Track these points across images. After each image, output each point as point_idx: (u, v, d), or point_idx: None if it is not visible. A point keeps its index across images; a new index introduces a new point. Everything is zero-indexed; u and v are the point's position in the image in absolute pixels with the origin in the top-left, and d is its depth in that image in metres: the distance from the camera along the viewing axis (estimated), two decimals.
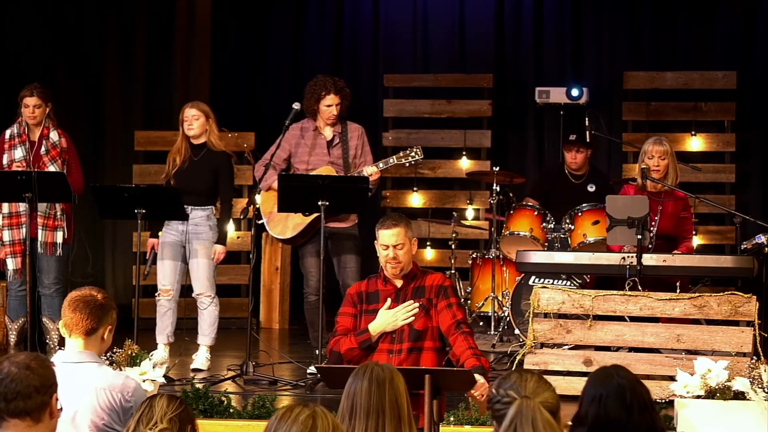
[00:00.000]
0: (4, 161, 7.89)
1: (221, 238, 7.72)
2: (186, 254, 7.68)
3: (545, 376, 3.53)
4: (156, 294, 7.76)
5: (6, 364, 3.24)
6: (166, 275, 7.67)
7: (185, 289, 7.86)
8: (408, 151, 7.65)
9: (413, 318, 5.47)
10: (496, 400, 3.34)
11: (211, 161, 7.68)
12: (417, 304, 5.50)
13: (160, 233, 7.73)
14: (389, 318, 5.48)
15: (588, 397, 3.50)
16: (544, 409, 3.10)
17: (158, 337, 7.71)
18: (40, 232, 7.82)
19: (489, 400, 3.37)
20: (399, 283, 5.59)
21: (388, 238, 5.52)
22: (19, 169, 7.67)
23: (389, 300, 5.53)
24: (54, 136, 7.91)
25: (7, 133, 7.95)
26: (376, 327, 5.48)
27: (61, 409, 3.36)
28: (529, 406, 3.09)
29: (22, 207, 7.67)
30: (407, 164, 7.75)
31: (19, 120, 7.93)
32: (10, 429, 3.21)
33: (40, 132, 7.90)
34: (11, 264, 7.89)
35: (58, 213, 7.87)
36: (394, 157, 7.67)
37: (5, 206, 7.87)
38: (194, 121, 7.68)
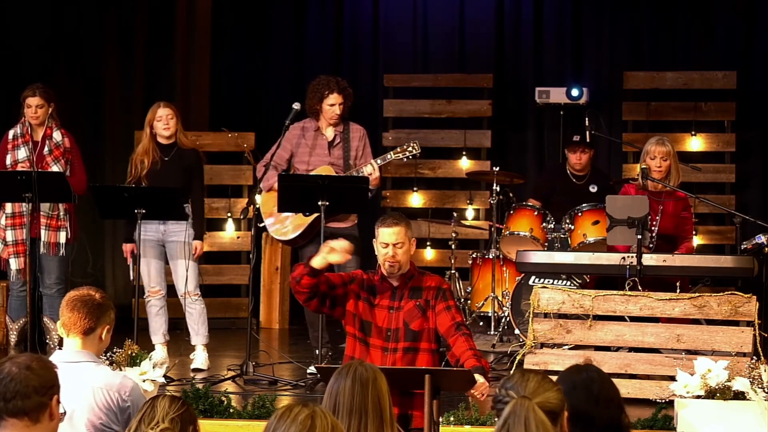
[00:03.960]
0: (8, 161, 7.89)
1: (198, 234, 7.72)
2: (165, 253, 7.68)
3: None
4: (145, 296, 7.74)
5: (7, 365, 3.25)
6: (152, 276, 7.67)
7: (170, 289, 7.86)
8: (405, 146, 7.65)
9: (340, 257, 5.44)
10: (498, 399, 3.34)
11: (183, 159, 7.69)
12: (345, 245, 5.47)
13: (135, 235, 7.67)
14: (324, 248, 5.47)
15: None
16: (539, 410, 3.10)
17: (154, 337, 7.70)
18: (43, 232, 7.82)
19: (493, 400, 3.38)
20: (396, 282, 5.59)
21: (388, 237, 5.51)
22: (24, 169, 7.66)
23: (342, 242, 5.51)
24: (57, 135, 7.92)
25: (11, 133, 7.95)
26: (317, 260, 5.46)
27: (64, 413, 3.36)
28: (523, 405, 3.09)
29: (25, 207, 7.67)
30: (405, 159, 7.75)
31: (23, 120, 7.93)
32: (8, 428, 3.21)
33: (44, 132, 7.91)
34: (15, 264, 7.89)
35: (61, 213, 7.88)
36: (391, 152, 7.67)
37: (8, 206, 7.88)
38: (170, 120, 7.69)
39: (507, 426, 3.07)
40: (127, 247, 7.75)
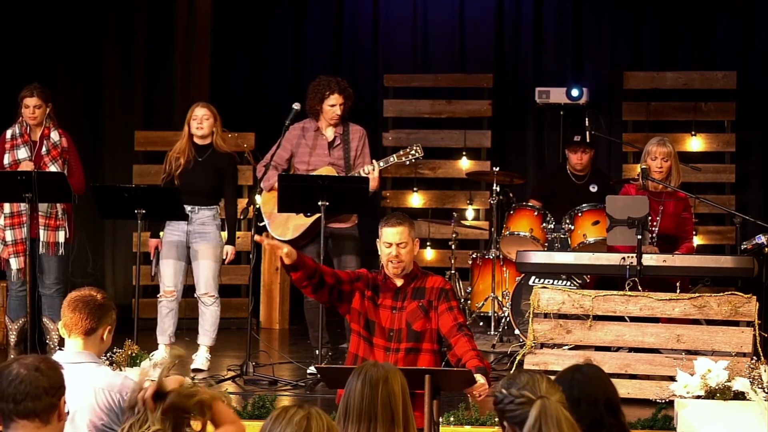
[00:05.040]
0: (6, 161, 7.89)
1: (231, 239, 7.74)
2: (189, 254, 7.68)
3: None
4: (158, 295, 7.75)
5: (15, 366, 3.25)
6: (170, 276, 7.67)
7: (186, 289, 7.86)
8: (408, 150, 7.65)
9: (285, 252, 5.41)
10: (509, 401, 3.29)
11: (216, 162, 7.69)
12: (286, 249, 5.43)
13: (161, 233, 7.73)
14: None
15: None
16: (564, 410, 3.11)
17: (159, 337, 7.71)
18: (41, 232, 7.82)
19: (498, 401, 3.33)
20: (399, 282, 5.59)
21: (391, 236, 5.52)
22: (28, 168, 7.66)
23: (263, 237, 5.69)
24: (55, 136, 7.92)
25: (8, 133, 7.96)
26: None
27: (68, 412, 3.36)
28: (551, 406, 3.08)
29: (23, 207, 7.68)
30: (407, 162, 7.75)
31: (20, 120, 7.94)
32: (18, 430, 3.22)
33: (41, 132, 7.91)
34: (15, 264, 7.89)
35: (60, 213, 7.88)
36: (394, 155, 7.68)
37: (6, 206, 7.88)
38: (205, 121, 7.69)
39: (539, 426, 3.05)
40: (152, 243, 7.75)
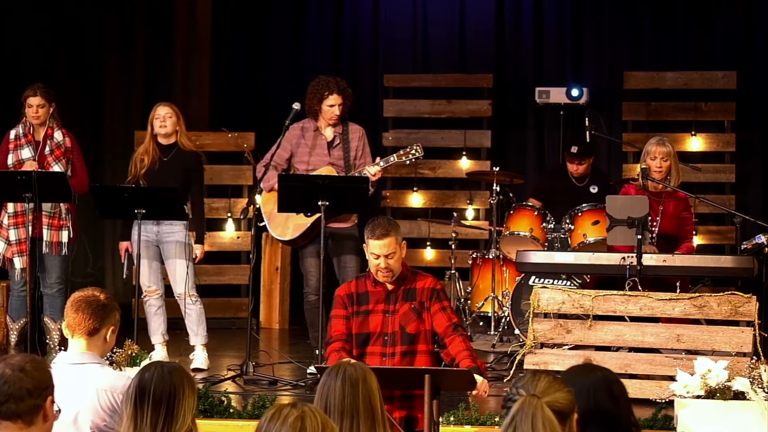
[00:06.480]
0: (10, 161, 7.89)
1: (200, 238, 7.72)
2: (160, 254, 7.68)
3: None
4: (143, 296, 7.74)
5: (1, 366, 3.23)
6: (147, 276, 7.67)
7: (168, 289, 7.85)
8: (408, 149, 7.64)
9: None
10: (508, 398, 3.36)
11: (182, 161, 7.68)
12: None
13: (133, 234, 7.67)
14: None
15: (575, 390, 3.51)
16: (548, 409, 3.11)
17: (153, 337, 7.70)
18: (45, 231, 7.81)
19: (503, 399, 3.40)
20: (390, 285, 5.58)
21: (379, 249, 5.50)
22: (32, 168, 7.65)
23: None
24: (58, 135, 7.92)
25: (12, 133, 7.96)
26: None
27: (59, 411, 3.34)
28: (531, 403, 3.10)
29: (26, 206, 7.66)
30: (408, 162, 7.75)
31: (24, 120, 7.94)
32: (1, 431, 3.20)
33: (45, 132, 7.91)
34: (19, 263, 7.89)
35: (63, 212, 7.88)
36: (394, 155, 7.67)
37: (11, 205, 7.87)
38: (167, 119, 7.69)
39: (514, 423, 3.08)
40: (122, 245, 7.75)
